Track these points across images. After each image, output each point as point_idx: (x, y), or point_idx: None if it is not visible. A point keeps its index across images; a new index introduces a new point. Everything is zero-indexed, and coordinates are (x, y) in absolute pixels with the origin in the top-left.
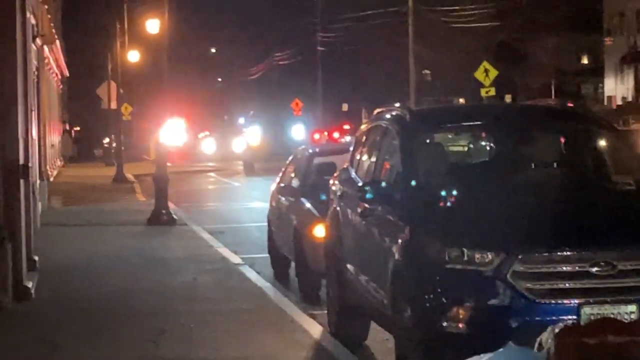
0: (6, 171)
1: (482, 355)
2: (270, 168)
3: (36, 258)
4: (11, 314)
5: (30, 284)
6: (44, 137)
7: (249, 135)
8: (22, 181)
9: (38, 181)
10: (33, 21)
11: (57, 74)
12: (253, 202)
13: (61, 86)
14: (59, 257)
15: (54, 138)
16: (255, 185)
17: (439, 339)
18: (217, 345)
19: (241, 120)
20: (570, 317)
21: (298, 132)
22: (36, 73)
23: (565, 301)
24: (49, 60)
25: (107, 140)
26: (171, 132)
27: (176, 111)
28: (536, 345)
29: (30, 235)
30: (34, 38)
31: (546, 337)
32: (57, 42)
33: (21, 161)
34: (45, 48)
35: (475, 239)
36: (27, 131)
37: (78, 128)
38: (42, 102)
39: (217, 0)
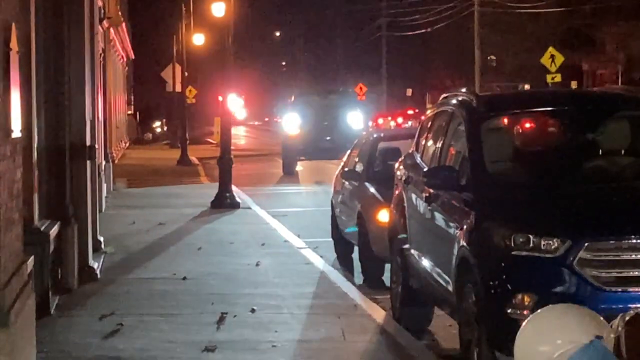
0: (73, 152)
1: (563, 304)
2: (316, 169)
3: (101, 239)
4: (77, 294)
5: (95, 265)
6: (109, 119)
7: (286, 124)
8: (88, 162)
9: (103, 162)
10: (100, 3)
11: (122, 56)
12: (316, 185)
13: (127, 68)
14: (124, 239)
15: (119, 120)
16: (318, 168)
17: (504, 326)
18: (279, 328)
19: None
20: (636, 305)
21: (355, 120)
22: (102, 55)
23: (632, 289)
24: (115, 42)
25: (158, 123)
26: (234, 107)
27: (239, 92)
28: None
29: (95, 216)
30: (100, 20)
31: (616, 325)
32: (123, 24)
33: (87, 142)
34: (112, 30)
35: (542, 225)
36: (93, 113)
37: (130, 112)
38: (107, 84)
39: None
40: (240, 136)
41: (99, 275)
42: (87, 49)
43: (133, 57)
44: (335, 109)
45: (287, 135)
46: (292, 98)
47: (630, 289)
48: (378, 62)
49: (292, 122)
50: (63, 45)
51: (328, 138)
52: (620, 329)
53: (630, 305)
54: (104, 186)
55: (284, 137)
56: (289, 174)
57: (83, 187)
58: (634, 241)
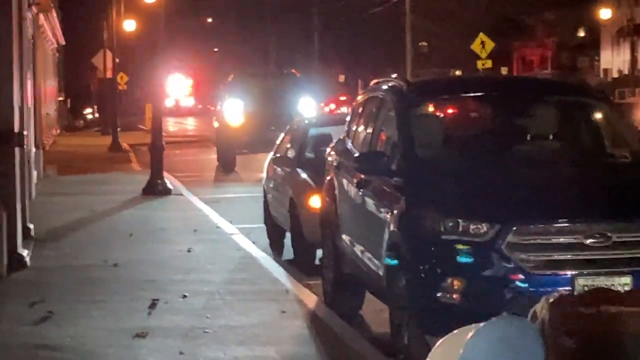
0: (1, 139)
1: (474, 325)
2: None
3: (31, 226)
4: (6, 281)
5: (25, 253)
6: (39, 106)
7: (228, 112)
8: (17, 149)
9: (33, 150)
10: None
11: (53, 43)
12: (249, 172)
13: (57, 55)
14: (54, 226)
15: (50, 106)
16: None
17: (434, 310)
18: (210, 314)
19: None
20: (564, 288)
21: (307, 106)
22: (32, 41)
23: (560, 273)
24: (45, 28)
25: (89, 110)
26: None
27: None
28: (530, 315)
29: (25, 203)
30: (29, 6)
31: (540, 307)
32: (53, 10)
33: (16, 129)
34: (41, 16)
35: (471, 209)
36: (22, 99)
37: (61, 98)
38: (37, 71)
39: None
40: (185, 124)
41: (28, 263)
42: (16, 35)
43: (64, 43)
44: (280, 94)
45: (227, 125)
46: (230, 79)
47: (557, 272)
48: (310, 48)
49: (233, 110)
50: None
51: (273, 128)
52: (544, 311)
53: (558, 289)
54: (34, 173)
55: (221, 127)
56: (229, 171)
57: (11, 175)
58: (562, 225)
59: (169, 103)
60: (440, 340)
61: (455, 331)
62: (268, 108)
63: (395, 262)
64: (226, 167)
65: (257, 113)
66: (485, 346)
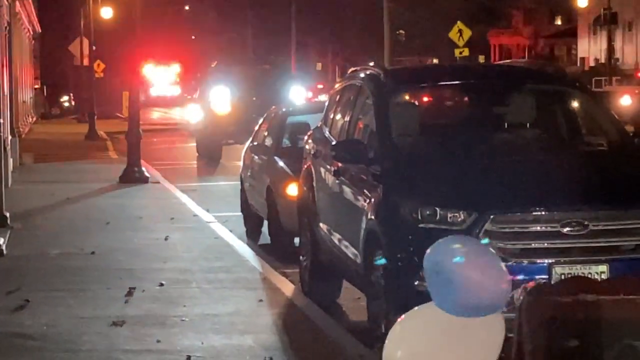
0: None
1: (431, 302)
2: None
3: (7, 215)
4: None
5: (1, 241)
6: (15, 93)
7: (214, 100)
8: None
9: (9, 137)
10: None
11: (29, 30)
12: (232, 161)
13: (33, 42)
14: (31, 214)
15: (26, 94)
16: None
17: (411, 298)
18: (187, 303)
19: None
20: (541, 276)
21: (298, 96)
22: (7, 28)
23: (537, 261)
24: (21, 15)
25: (65, 98)
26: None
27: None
28: (507, 302)
29: (1, 191)
30: None
31: (518, 295)
32: None
33: None
34: (17, 3)
35: (448, 198)
36: None
37: (38, 86)
38: (13, 58)
39: None
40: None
41: (4, 251)
42: None
43: (40, 30)
44: (268, 81)
45: (212, 114)
46: (213, 66)
47: (534, 261)
48: (288, 36)
49: (219, 98)
50: None
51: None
52: (522, 298)
53: (535, 277)
54: (10, 161)
55: (206, 116)
56: (215, 161)
57: None
58: (539, 213)
59: (154, 92)
60: (400, 318)
61: (415, 308)
62: (255, 96)
63: (384, 260)
64: (212, 158)
65: (243, 101)
66: (447, 243)
